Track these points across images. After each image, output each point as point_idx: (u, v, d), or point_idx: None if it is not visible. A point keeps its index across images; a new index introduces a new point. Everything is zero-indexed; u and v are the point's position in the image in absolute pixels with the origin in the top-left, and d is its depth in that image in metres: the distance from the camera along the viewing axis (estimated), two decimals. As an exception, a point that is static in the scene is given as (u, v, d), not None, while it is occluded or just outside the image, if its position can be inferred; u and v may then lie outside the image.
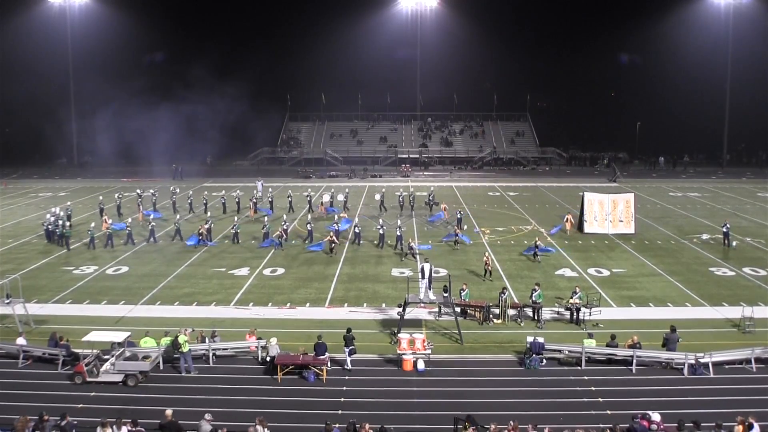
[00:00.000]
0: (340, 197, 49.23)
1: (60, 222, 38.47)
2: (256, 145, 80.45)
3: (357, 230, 38.35)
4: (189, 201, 48.35)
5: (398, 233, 36.82)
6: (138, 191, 50.37)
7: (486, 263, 31.41)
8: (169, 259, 34.59)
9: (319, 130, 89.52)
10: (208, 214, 43.26)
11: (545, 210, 48.74)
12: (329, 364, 20.81)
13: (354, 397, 19.43)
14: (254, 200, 48.02)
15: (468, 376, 20.87)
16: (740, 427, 15.75)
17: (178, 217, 40.57)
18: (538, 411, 18.29)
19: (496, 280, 30.37)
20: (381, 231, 37.34)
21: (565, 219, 41.07)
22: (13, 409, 17.74)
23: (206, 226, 38.16)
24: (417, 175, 71.90)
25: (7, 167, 74.50)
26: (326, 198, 49.05)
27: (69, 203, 45.03)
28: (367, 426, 15.72)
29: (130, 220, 40.00)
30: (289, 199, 48.40)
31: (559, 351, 21.78)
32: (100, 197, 48.37)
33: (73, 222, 41.91)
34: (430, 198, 48.49)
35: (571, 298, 25.48)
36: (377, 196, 49.42)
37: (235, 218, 41.28)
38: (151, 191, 50.34)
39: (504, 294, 25.81)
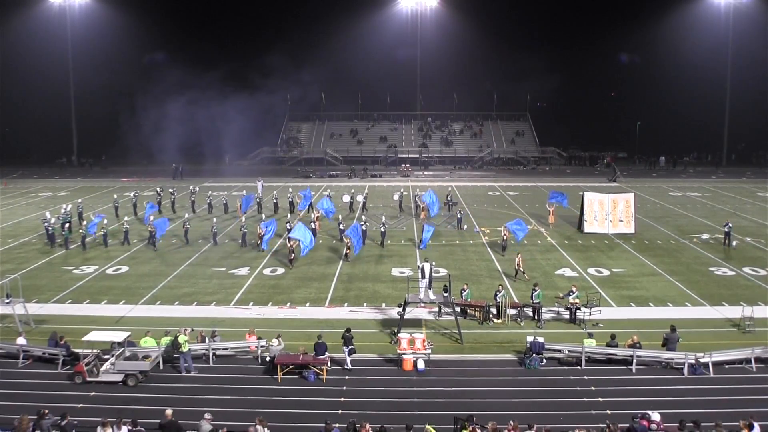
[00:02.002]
0: (360, 198, 49.15)
1: (53, 220, 38.55)
2: (257, 144, 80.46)
3: (342, 227, 38.47)
4: (208, 201, 47.88)
5: (382, 230, 37.50)
6: (158, 189, 50.35)
7: (518, 263, 31.11)
8: (169, 259, 34.60)
9: (319, 130, 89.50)
10: (186, 215, 43.25)
11: (545, 210, 48.60)
12: (329, 364, 20.81)
13: (354, 396, 19.43)
14: (275, 200, 47.94)
15: (468, 376, 20.88)
16: (744, 431, 15.74)
17: (152, 218, 40.37)
18: (538, 411, 18.30)
19: (495, 280, 30.34)
20: (363, 227, 37.59)
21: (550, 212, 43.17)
22: (13, 409, 17.74)
23: (184, 228, 38.36)
24: (417, 174, 71.84)
25: (7, 167, 74.50)
26: (346, 198, 48.89)
27: (80, 200, 44.98)
28: (367, 426, 15.73)
29: (105, 221, 39.77)
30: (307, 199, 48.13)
31: (559, 351, 21.79)
32: (115, 195, 48.45)
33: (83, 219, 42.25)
34: (448, 198, 48.44)
35: (568, 296, 25.48)
36: (395, 196, 49.39)
37: (214, 219, 40.64)
38: (170, 190, 50.33)
39: (500, 292, 25.80)
